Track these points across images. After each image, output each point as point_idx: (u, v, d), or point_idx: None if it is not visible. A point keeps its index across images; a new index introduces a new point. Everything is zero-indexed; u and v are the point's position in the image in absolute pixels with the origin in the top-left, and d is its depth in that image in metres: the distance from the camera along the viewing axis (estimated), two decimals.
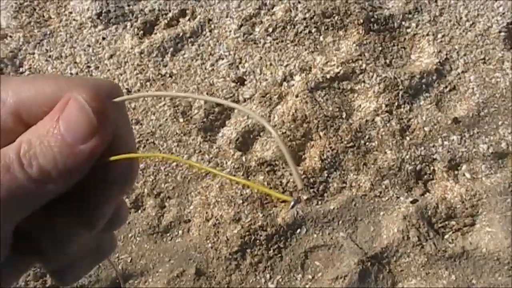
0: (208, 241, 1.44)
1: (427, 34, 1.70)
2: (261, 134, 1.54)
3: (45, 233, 0.35)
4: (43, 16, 1.70)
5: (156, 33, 1.69)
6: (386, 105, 1.58)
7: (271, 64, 1.63)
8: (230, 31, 1.69)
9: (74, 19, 1.69)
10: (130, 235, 1.46)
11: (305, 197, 1.47)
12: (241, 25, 1.69)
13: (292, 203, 0.32)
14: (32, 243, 0.36)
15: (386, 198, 1.51)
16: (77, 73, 1.61)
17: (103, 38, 1.67)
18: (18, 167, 0.31)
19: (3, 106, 0.32)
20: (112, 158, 0.34)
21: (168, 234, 1.47)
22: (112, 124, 0.33)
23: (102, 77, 1.60)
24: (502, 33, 1.70)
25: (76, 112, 0.32)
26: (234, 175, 1.49)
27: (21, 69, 1.62)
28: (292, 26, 1.68)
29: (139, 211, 1.49)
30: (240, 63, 1.64)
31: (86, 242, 0.38)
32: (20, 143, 0.32)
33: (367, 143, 1.55)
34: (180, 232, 1.47)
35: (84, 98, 0.32)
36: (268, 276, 1.43)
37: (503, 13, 1.73)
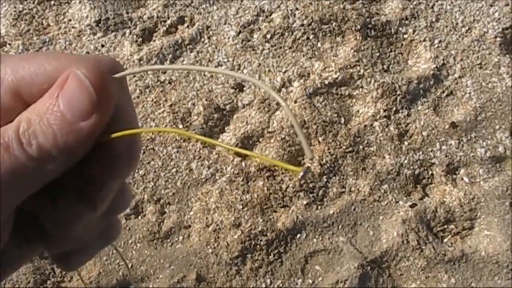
0: (208, 247, 1.46)
1: (424, 40, 1.74)
2: (260, 140, 1.57)
3: (47, 214, 0.35)
4: (42, 24, 1.73)
5: (155, 40, 1.72)
6: (384, 110, 1.61)
7: (269, 70, 1.66)
8: (229, 37, 1.72)
9: (73, 27, 1.72)
10: (130, 241, 1.49)
11: (304, 202, 1.50)
12: (240, 32, 1.72)
13: (301, 173, 0.32)
14: (35, 225, 0.36)
15: (385, 202, 1.54)
16: None
17: (102, 46, 1.70)
18: (18, 146, 0.30)
19: (2, 84, 0.32)
20: (114, 134, 0.34)
21: (168, 240, 1.49)
22: (113, 100, 0.33)
23: None
24: (498, 38, 1.74)
25: (76, 88, 0.31)
26: (234, 181, 1.52)
27: None
28: (290, 33, 1.71)
29: (139, 217, 1.51)
30: (238, 69, 1.67)
31: (90, 225, 0.37)
32: (20, 121, 0.31)
33: (365, 148, 1.58)
34: (181, 238, 1.49)
35: (84, 74, 0.31)
36: (268, 281, 1.45)
37: (499, 19, 1.77)
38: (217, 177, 1.54)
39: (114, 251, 1.47)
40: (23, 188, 0.32)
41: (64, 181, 0.34)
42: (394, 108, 1.62)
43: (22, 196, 0.32)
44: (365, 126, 1.60)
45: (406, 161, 1.57)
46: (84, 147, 0.32)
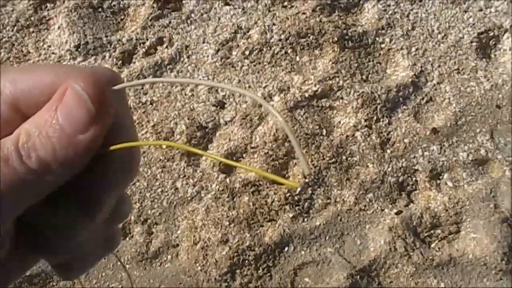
0: (197, 264, 1.51)
1: (401, 48, 1.81)
2: (244, 156, 1.62)
3: (47, 223, 0.36)
4: (22, 51, 1.78)
5: (135, 62, 1.77)
6: (365, 120, 1.67)
7: (249, 86, 1.72)
8: (208, 56, 1.78)
9: (53, 53, 1.78)
10: (119, 263, 1.53)
11: (291, 215, 1.55)
12: (218, 50, 1.78)
13: (299, 188, 0.34)
14: (36, 235, 0.37)
15: (371, 211, 1.59)
16: None
17: None
18: (17, 158, 0.31)
19: (0, 97, 0.33)
20: (113, 147, 0.35)
21: (157, 260, 1.53)
22: (111, 113, 0.33)
23: None
24: (474, 43, 1.82)
25: (74, 101, 0.32)
26: (219, 198, 1.57)
27: None
28: (268, 48, 1.78)
29: (127, 239, 1.55)
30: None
31: (90, 234, 0.38)
32: (19, 134, 0.32)
33: (348, 158, 1.64)
34: (169, 257, 1.54)
35: (82, 87, 0.32)
36: None
37: (473, 24, 1.85)
38: (202, 195, 1.59)
39: (104, 274, 1.51)
40: (23, 200, 0.33)
41: (63, 192, 0.35)
42: (375, 117, 1.68)
43: (22, 207, 0.33)
44: (347, 136, 1.66)
45: (389, 169, 1.63)
46: (83, 160, 0.33)
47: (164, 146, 1.65)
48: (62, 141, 0.32)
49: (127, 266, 1.53)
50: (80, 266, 0.42)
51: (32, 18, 1.82)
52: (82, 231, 0.37)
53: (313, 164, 1.60)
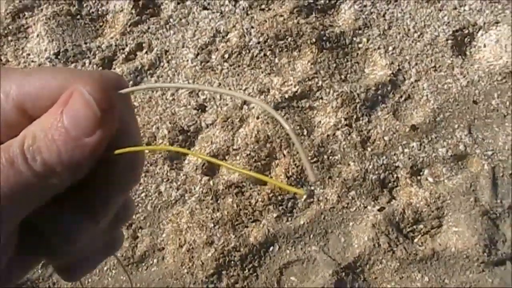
0: (183, 267, 1.53)
1: (378, 48, 1.85)
2: (226, 157, 1.65)
3: (51, 226, 0.36)
4: (1, 60, 1.79)
5: (115, 68, 1.79)
6: (345, 119, 1.71)
7: (230, 89, 1.75)
8: (187, 60, 1.81)
9: (32, 61, 1.79)
10: (105, 268, 1.54)
11: (274, 215, 1.58)
12: (198, 54, 1.81)
13: (304, 196, 0.34)
14: (40, 237, 0.37)
15: (354, 208, 1.62)
16: None
17: None
18: (22, 161, 0.31)
19: (7, 99, 0.33)
20: (117, 151, 0.35)
21: (143, 264, 1.55)
22: (117, 117, 0.34)
23: None
24: (449, 41, 1.87)
25: (80, 104, 0.32)
26: (203, 200, 1.59)
27: None
28: (247, 51, 1.81)
29: None
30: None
31: (92, 237, 0.39)
32: (24, 136, 0.32)
33: (330, 157, 1.67)
34: (155, 260, 1.56)
35: (88, 90, 0.32)
36: None
37: (448, 22, 1.90)
38: (186, 198, 1.61)
39: (91, 279, 1.52)
40: (28, 202, 0.33)
41: (68, 195, 0.35)
42: (354, 116, 1.72)
43: (26, 210, 0.33)
44: (328, 136, 1.69)
45: (370, 167, 1.66)
46: (88, 163, 0.33)
47: (147, 151, 1.67)
48: (67, 144, 0.32)
49: (113, 271, 1.54)
50: (82, 267, 0.42)
51: (10, 27, 1.83)
52: (85, 233, 0.37)
53: (295, 164, 1.63)
